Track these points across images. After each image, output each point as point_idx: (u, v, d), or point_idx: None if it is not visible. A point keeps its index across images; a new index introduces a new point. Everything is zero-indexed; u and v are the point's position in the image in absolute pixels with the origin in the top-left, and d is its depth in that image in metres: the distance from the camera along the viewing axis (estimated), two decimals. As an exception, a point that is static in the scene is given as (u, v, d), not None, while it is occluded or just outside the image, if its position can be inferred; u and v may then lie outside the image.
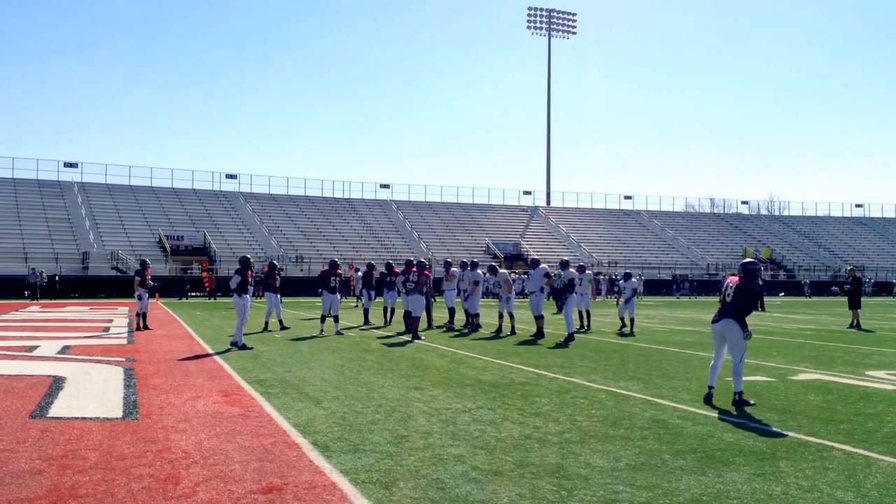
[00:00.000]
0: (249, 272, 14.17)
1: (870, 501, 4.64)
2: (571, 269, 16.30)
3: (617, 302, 17.49)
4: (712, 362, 8.31)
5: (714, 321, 8.27)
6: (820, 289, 53.12)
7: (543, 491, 4.77)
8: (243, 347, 13.06)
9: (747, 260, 8.55)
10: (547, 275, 16.20)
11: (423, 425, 6.74)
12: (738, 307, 7.99)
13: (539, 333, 15.69)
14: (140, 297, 17.67)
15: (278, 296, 18.38)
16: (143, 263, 18.33)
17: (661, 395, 8.52)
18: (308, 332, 16.79)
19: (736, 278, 8.22)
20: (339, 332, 16.30)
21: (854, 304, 20.18)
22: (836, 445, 6.08)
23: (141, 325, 17.39)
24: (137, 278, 17.84)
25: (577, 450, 5.87)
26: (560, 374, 10.25)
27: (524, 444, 6.05)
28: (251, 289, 28.75)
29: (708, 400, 8.02)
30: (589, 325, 18.23)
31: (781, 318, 24.31)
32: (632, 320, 17.24)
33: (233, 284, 13.96)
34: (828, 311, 29.38)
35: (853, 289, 20.48)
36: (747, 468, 5.36)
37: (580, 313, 18.33)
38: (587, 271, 19.65)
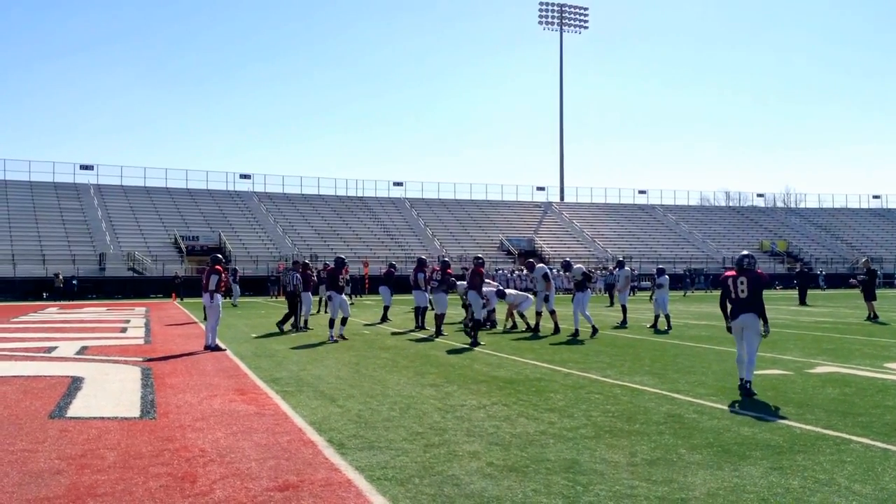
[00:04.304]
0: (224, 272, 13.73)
1: (888, 494, 4.60)
2: (579, 266, 16.31)
3: (650, 298, 17.35)
4: (738, 356, 8.39)
5: (733, 317, 8.30)
6: (837, 281, 52.63)
7: (559, 486, 4.77)
8: (216, 349, 12.96)
9: (745, 252, 8.62)
10: (546, 276, 16.21)
11: (438, 422, 6.75)
12: (758, 300, 8.11)
13: (536, 328, 16.06)
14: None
15: (311, 296, 18.76)
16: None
17: (676, 389, 8.49)
18: (323, 332, 16.83)
19: (734, 272, 8.35)
20: (342, 336, 14.98)
21: (869, 296, 19.99)
22: (854, 438, 6.03)
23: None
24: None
25: (593, 445, 5.86)
26: (575, 369, 10.23)
27: (539, 439, 6.05)
28: (237, 289, 28.00)
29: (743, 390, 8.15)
30: (625, 321, 18.12)
31: (798, 311, 24.13)
32: (667, 316, 17.12)
33: (212, 285, 13.15)
34: (845, 304, 29.11)
35: (868, 280, 20.30)
36: (764, 462, 5.33)
37: (622, 308, 18.57)
38: (626, 267, 19.77)
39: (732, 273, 8.40)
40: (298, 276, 17.84)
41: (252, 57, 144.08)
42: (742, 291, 8.17)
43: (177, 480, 4.94)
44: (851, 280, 24.91)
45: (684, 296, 40.53)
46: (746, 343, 8.19)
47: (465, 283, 17.87)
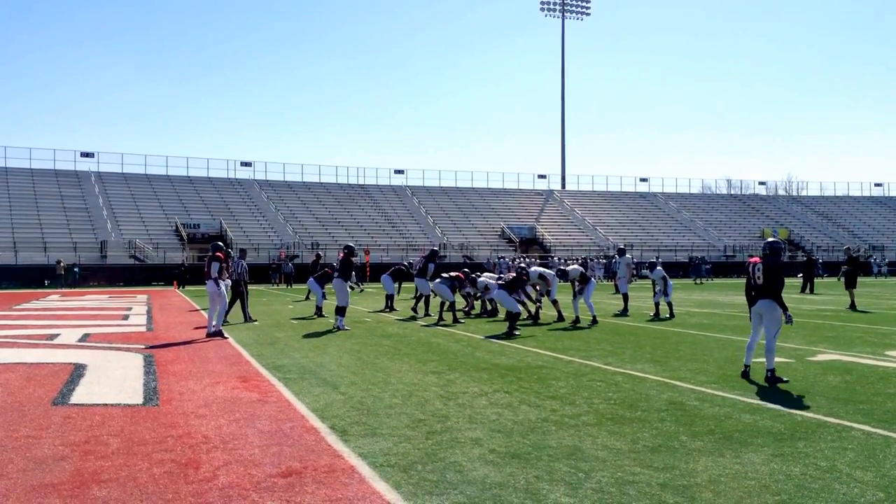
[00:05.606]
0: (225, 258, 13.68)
1: (889, 481, 4.61)
2: (574, 268, 16.47)
3: (654, 292, 17.36)
4: (749, 342, 8.55)
5: (753, 304, 8.45)
6: (837, 269, 52.59)
7: (560, 473, 4.78)
8: (218, 335, 12.91)
9: (771, 239, 8.76)
10: (541, 276, 16.29)
11: (440, 409, 6.76)
12: (772, 286, 8.18)
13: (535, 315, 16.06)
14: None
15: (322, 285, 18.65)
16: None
17: (678, 377, 8.51)
18: (325, 321, 16.86)
19: (758, 259, 8.42)
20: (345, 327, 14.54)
21: (850, 284, 20.05)
22: (856, 426, 6.04)
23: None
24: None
25: (594, 432, 5.87)
26: (577, 357, 10.25)
27: (541, 426, 6.07)
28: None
29: (745, 376, 8.32)
30: (626, 309, 18.12)
31: (800, 299, 24.14)
32: (669, 304, 17.05)
33: (214, 272, 13.15)
34: (846, 292, 29.05)
35: (853, 268, 20.39)
36: (766, 449, 5.35)
37: (623, 296, 18.89)
38: (626, 255, 19.93)
39: (756, 260, 8.50)
40: (244, 263, 17.03)
41: (253, 45, 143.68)
42: (759, 278, 8.29)
43: (180, 467, 4.97)
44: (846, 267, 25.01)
45: (695, 283, 40.53)
46: (765, 329, 8.27)
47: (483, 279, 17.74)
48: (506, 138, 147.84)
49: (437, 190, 64.68)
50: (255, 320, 16.47)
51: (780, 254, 8.45)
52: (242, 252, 17.72)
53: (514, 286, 14.03)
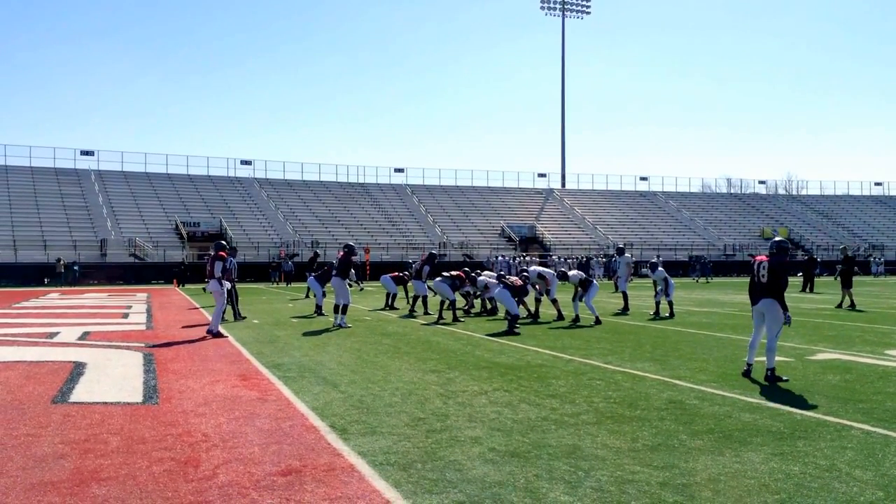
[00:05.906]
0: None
1: (889, 480, 4.62)
2: (574, 273, 16.57)
3: (655, 292, 17.35)
4: (751, 340, 8.62)
5: (754, 302, 8.48)
6: (835, 269, 52.58)
7: (560, 472, 4.78)
8: (217, 335, 12.86)
9: (778, 238, 8.82)
10: (540, 275, 16.31)
11: (440, 408, 6.76)
12: (775, 285, 8.19)
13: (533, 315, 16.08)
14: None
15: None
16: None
17: (677, 376, 8.51)
18: (325, 319, 16.86)
19: (763, 257, 8.48)
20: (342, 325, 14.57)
21: (846, 284, 20.08)
22: (855, 425, 6.05)
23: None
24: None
25: (594, 431, 5.87)
26: (577, 356, 10.25)
27: (541, 425, 6.07)
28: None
29: (747, 374, 8.38)
30: (626, 307, 18.13)
31: (800, 299, 24.15)
32: (670, 303, 17.04)
33: (218, 272, 13.25)
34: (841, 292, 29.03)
35: (846, 268, 20.42)
36: (765, 448, 5.35)
37: (623, 294, 18.99)
38: (626, 254, 20.26)
39: (761, 258, 8.55)
40: (233, 261, 16.46)
41: (253, 43, 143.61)
42: (763, 276, 8.32)
43: (180, 465, 4.97)
44: (855, 268, 24.99)
45: (696, 282, 40.46)
46: (767, 328, 8.29)
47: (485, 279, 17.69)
48: (506, 137, 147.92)
49: (437, 188, 64.65)
50: (245, 317, 16.48)
51: (786, 253, 8.49)
52: (233, 251, 17.62)
53: (517, 293, 14.07)
